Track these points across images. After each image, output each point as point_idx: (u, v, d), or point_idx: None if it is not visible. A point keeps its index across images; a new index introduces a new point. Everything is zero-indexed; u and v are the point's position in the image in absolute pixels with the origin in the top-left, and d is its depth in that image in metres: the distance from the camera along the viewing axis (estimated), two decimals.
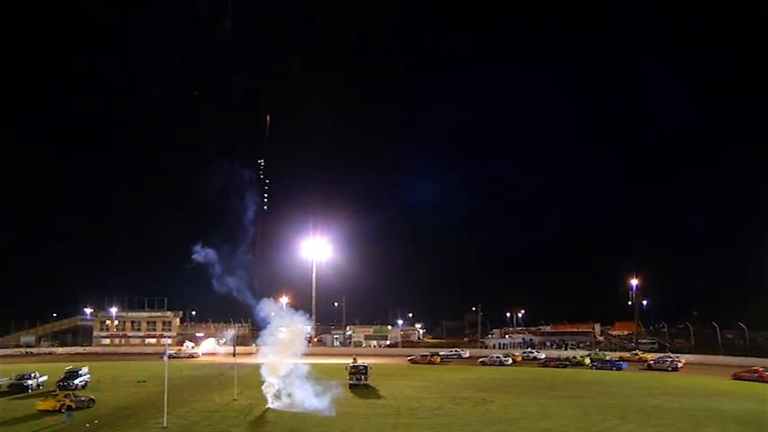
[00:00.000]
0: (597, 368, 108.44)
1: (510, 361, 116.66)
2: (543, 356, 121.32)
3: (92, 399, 69.66)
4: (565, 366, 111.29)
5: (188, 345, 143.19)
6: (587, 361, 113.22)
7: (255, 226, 77.34)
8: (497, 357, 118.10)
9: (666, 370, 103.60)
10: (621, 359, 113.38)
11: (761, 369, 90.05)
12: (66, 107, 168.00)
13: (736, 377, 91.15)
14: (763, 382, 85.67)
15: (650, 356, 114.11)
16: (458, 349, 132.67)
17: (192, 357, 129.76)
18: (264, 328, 72.36)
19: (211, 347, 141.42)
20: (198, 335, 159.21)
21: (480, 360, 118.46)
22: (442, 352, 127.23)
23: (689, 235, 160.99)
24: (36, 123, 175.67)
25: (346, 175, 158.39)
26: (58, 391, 72.45)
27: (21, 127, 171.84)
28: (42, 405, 65.79)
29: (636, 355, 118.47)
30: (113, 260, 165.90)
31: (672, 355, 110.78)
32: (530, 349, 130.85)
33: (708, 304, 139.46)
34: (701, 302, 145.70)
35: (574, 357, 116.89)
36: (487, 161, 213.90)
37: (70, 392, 71.09)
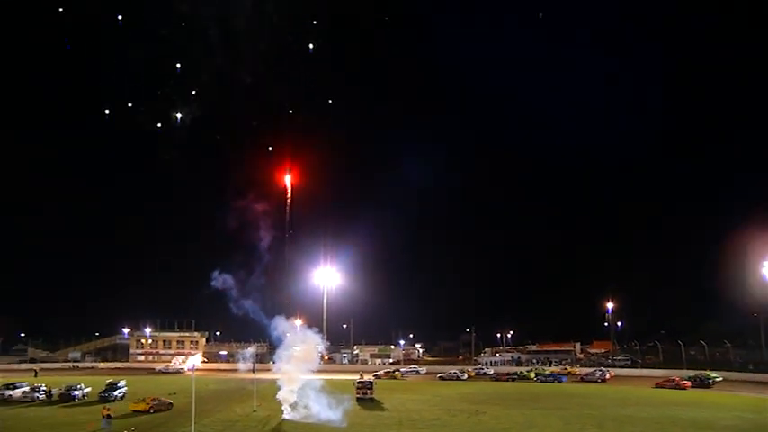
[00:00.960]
0: (541, 381, 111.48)
1: (465, 376, 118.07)
2: (492, 372, 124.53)
3: (170, 402, 72.87)
4: (513, 380, 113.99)
5: (175, 361, 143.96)
6: (532, 375, 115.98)
7: (271, 255, 77.32)
8: (454, 373, 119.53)
9: (596, 381, 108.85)
10: (559, 373, 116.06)
11: (678, 378, 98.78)
12: (103, 143, 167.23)
13: (658, 386, 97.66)
14: (680, 389, 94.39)
15: (579, 370, 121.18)
16: (416, 366, 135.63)
17: (179, 372, 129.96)
18: (280, 346, 72.44)
19: (197, 363, 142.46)
20: (221, 353, 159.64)
21: (439, 375, 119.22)
22: (403, 369, 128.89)
23: (658, 264, 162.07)
24: (74, 165, 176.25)
25: (355, 205, 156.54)
26: (146, 397, 74.53)
27: (65, 167, 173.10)
28: (135, 406, 70.36)
29: (566, 369, 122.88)
30: (148, 285, 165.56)
31: (603, 369, 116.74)
32: (480, 366, 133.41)
33: (674, 325, 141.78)
34: (668, 323, 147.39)
35: (521, 372, 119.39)
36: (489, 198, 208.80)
37: (156, 397, 73.86)
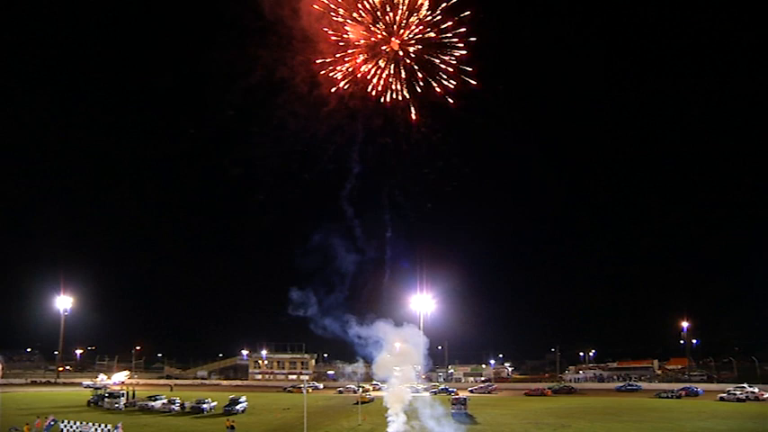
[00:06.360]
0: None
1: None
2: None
3: (373, 398, 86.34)
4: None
5: (102, 377, 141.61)
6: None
7: (372, 285, 77.56)
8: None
9: (484, 393, 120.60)
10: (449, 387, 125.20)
11: (542, 388, 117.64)
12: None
13: (527, 394, 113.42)
14: (544, 395, 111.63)
15: (470, 385, 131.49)
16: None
17: (106, 387, 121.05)
18: (382, 363, 71.70)
19: (122, 379, 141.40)
20: (329, 372, 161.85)
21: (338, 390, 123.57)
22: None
23: (731, 284, 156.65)
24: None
25: (453, 236, 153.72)
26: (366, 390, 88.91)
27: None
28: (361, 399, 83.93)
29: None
30: (265, 313, 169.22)
31: (491, 383, 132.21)
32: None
33: (748, 341, 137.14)
34: (743, 340, 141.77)
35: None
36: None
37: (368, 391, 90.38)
